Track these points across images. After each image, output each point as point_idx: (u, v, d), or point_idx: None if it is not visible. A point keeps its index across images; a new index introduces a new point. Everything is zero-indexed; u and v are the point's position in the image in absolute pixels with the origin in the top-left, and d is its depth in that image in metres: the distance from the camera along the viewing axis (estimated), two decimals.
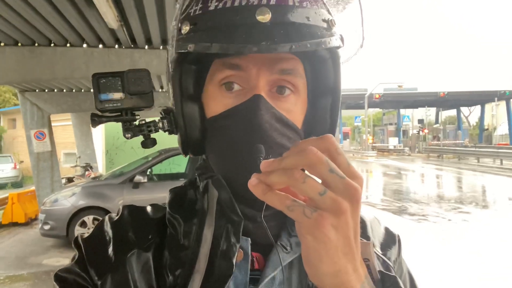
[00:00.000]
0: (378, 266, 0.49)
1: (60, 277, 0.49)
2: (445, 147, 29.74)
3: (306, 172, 0.34)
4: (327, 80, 0.52)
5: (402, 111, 42.20)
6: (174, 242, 0.50)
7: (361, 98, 33.38)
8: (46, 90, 9.02)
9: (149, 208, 0.56)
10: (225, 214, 0.49)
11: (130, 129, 0.54)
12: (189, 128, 0.52)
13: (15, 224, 7.95)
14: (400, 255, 0.59)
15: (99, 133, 15.05)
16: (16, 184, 17.70)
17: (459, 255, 5.64)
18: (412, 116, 43.19)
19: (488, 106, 39.09)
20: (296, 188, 0.33)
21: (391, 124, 45.02)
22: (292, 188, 0.34)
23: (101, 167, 14.48)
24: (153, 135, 0.57)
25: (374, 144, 37.41)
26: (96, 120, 0.54)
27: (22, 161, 20.18)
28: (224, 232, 0.48)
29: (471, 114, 50.47)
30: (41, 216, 6.06)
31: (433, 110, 43.50)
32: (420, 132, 36.26)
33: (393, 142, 37.24)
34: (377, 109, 51.04)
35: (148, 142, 0.56)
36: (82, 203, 5.99)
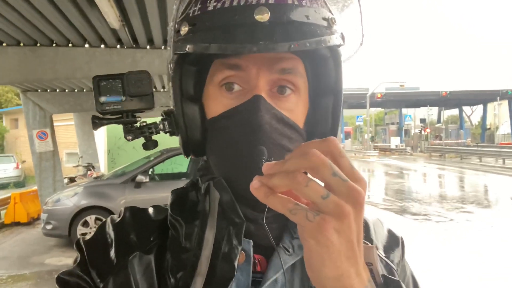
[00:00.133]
0: (381, 269, 0.49)
1: (62, 279, 0.49)
2: (447, 147, 29.64)
3: (309, 175, 0.34)
4: (328, 79, 0.51)
5: (404, 110, 42.07)
6: (175, 244, 0.49)
7: (363, 98, 33.30)
8: (48, 90, 9.05)
9: (151, 210, 0.56)
10: (226, 216, 0.48)
11: (131, 131, 0.54)
12: (190, 129, 0.51)
13: (17, 224, 7.98)
14: (403, 258, 0.58)
15: (101, 133, 15.07)
16: (19, 183, 17.77)
17: (460, 255, 5.63)
18: (414, 116, 43.12)
19: (490, 106, 38.96)
20: (298, 192, 0.33)
21: (393, 123, 44.91)
22: (295, 191, 0.33)
23: (103, 167, 14.50)
24: (154, 136, 0.57)
25: (376, 144, 37.34)
26: (97, 122, 0.54)
27: (24, 161, 20.26)
28: (226, 234, 0.47)
29: (473, 114, 50.37)
30: (43, 216, 6.08)
31: (435, 109, 43.41)
32: (422, 131, 36.16)
33: (395, 141, 37.14)
34: (379, 109, 50.93)
35: (150, 144, 0.56)
36: (84, 202, 6.00)
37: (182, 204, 0.53)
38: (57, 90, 9.29)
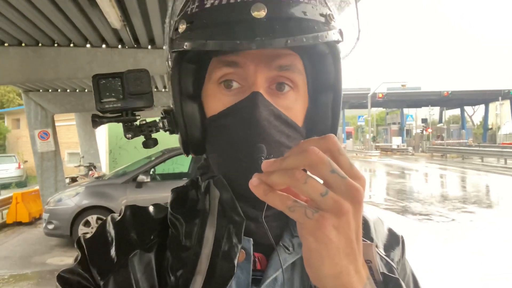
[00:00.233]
0: (381, 267, 0.49)
1: (63, 277, 0.50)
2: (449, 147, 29.56)
3: (308, 172, 0.34)
4: (327, 76, 0.51)
5: (406, 110, 42.00)
6: (175, 243, 0.49)
7: (364, 98, 33.24)
8: (50, 90, 9.07)
9: (151, 208, 0.56)
10: (226, 214, 0.48)
11: (131, 129, 0.54)
12: (189, 127, 0.51)
13: (19, 224, 8.01)
14: (403, 256, 0.58)
15: (102, 133, 15.10)
16: (20, 183, 17.82)
17: (461, 255, 5.62)
18: (416, 116, 43.01)
19: (492, 105, 38.89)
20: (297, 189, 0.33)
21: (394, 123, 44.79)
22: (294, 189, 0.33)
23: (104, 167, 14.53)
24: (154, 135, 0.57)
25: (377, 144, 37.28)
26: (97, 121, 0.54)
27: (26, 161, 20.31)
28: (225, 233, 0.47)
29: (475, 114, 50.27)
30: (45, 216, 6.09)
31: (436, 109, 43.30)
32: (424, 131, 36.07)
33: (396, 141, 37.06)
34: (381, 109, 50.84)
35: (149, 142, 0.56)
36: (86, 202, 6.02)
37: (182, 202, 0.53)
38: (59, 90, 9.32)
